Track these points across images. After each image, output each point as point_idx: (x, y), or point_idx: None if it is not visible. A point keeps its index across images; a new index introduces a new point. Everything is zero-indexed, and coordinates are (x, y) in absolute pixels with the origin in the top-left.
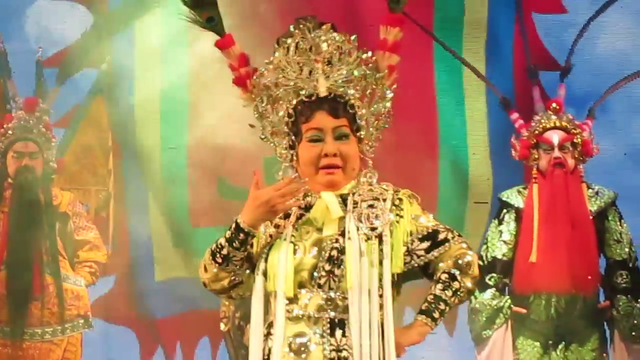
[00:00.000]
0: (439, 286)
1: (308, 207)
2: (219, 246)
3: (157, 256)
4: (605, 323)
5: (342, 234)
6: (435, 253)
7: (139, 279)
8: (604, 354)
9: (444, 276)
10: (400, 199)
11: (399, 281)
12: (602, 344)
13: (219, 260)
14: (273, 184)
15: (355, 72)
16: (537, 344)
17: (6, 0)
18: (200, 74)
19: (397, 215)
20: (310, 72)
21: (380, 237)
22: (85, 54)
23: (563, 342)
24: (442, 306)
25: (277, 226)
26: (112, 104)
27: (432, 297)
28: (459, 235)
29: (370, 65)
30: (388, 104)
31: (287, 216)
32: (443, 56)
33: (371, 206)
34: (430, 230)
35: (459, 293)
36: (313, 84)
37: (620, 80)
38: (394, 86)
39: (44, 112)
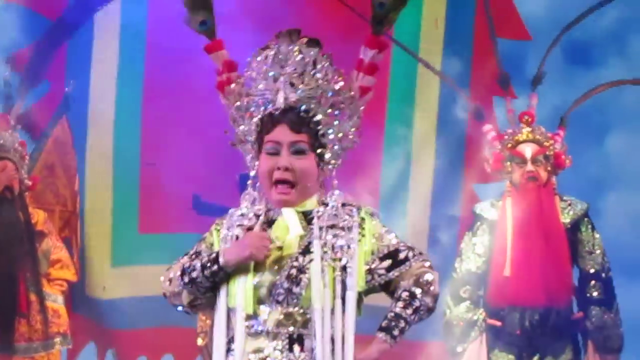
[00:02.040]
0: (400, 304)
1: (271, 223)
2: (192, 267)
3: None
4: (579, 334)
5: (303, 253)
6: (396, 272)
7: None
8: None
9: (404, 294)
10: (363, 218)
11: (360, 298)
12: (575, 355)
13: (186, 280)
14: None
15: (324, 89)
16: (512, 356)
17: None
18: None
19: (359, 234)
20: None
21: (344, 267)
22: (44, 65)
23: (537, 354)
24: (402, 324)
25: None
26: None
27: (392, 314)
28: (420, 254)
29: (341, 84)
30: (356, 125)
31: (249, 229)
32: (399, 61)
33: (336, 236)
34: (391, 249)
35: (419, 311)
36: (277, 95)
37: (592, 90)
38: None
39: (15, 129)
